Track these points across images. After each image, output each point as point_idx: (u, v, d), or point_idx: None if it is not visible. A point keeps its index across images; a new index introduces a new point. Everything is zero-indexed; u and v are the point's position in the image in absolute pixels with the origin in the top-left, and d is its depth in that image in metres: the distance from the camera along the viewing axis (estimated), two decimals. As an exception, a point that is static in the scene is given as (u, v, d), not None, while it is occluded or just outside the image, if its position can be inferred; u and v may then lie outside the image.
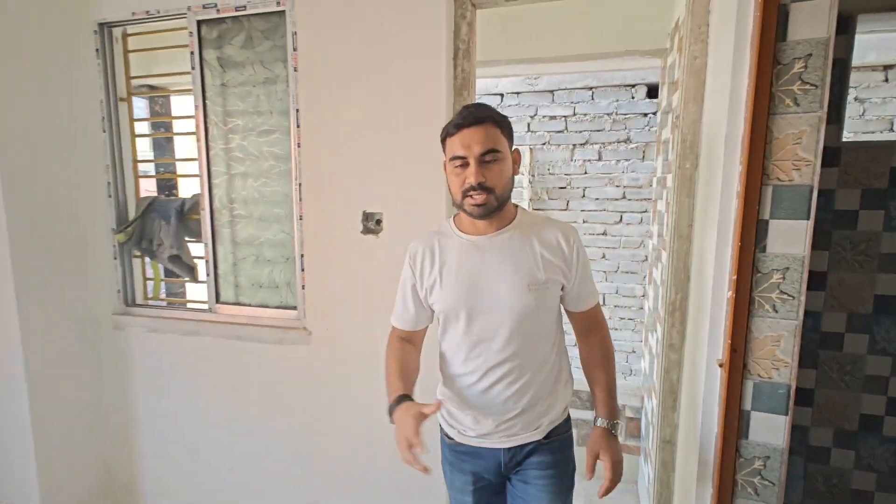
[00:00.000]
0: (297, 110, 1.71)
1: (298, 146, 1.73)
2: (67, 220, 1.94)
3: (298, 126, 1.72)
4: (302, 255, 1.79)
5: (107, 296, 2.05)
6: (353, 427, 1.80)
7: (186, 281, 2.10)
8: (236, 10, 1.73)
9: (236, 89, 1.84)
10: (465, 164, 1.07)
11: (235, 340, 1.91)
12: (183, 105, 2.36)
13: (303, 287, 1.81)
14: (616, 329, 3.39)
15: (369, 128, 1.65)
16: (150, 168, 2.51)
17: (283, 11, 1.69)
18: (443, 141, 1.12)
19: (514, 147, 1.16)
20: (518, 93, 3.49)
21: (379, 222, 1.68)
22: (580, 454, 1.23)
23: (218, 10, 1.75)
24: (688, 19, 1.39)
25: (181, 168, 2.40)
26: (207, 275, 1.96)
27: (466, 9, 1.56)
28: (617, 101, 3.31)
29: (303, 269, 1.80)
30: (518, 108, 3.49)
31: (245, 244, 1.93)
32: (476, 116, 1.08)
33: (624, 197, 3.32)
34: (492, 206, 1.09)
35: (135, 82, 2.06)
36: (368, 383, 1.66)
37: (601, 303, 3.35)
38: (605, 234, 3.36)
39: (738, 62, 1.09)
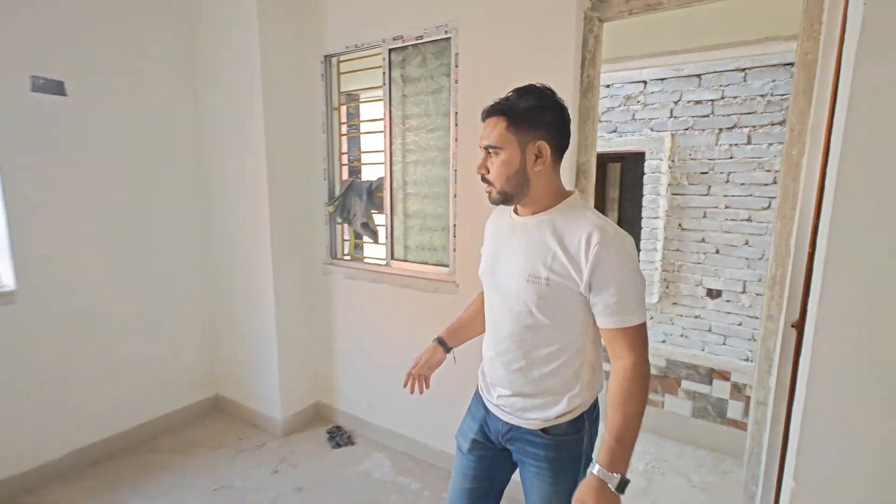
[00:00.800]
0: (456, 113, 2.21)
1: (455, 140, 2.24)
2: (301, 196, 2.78)
3: (456, 125, 2.23)
4: (454, 225, 2.31)
5: (320, 251, 2.87)
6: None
7: (371, 242, 2.81)
8: (416, 40, 2.29)
9: (412, 98, 2.43)
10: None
11: (403, 288, 2.53)
12: (368, 110, 3.08)
13: (454, 250, 2.33)
14: (755, 318, 3.30)
15: (510, 125, 2.08)
16: (344, 158, 3.32)
17: (449, 38, 2.20)
18: None
19: (537, 140, 1.07)
20: (662, 79, 3.54)
21: (514, 200, 2.10)
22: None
23: (403, 41, 2.34)
24: (802, 17, 1.51)
25: (364, 158, 3.15)
26: (386, 238, 2.62)
27: (594, 24, 1.87)
28: (773, 81, 3.16)
29: (454, 236, 2.32)
30: (661, 94, 3.55)
31: (413, 216, 2.54)
32: (489, 108, 1.09)
33: (774, 182, 3.18)
34: (495, 198, 1.11)
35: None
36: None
37: (742, 290, 3.30)
38: (749, 220, 3.27)
39: (826, 61, 1.24)
